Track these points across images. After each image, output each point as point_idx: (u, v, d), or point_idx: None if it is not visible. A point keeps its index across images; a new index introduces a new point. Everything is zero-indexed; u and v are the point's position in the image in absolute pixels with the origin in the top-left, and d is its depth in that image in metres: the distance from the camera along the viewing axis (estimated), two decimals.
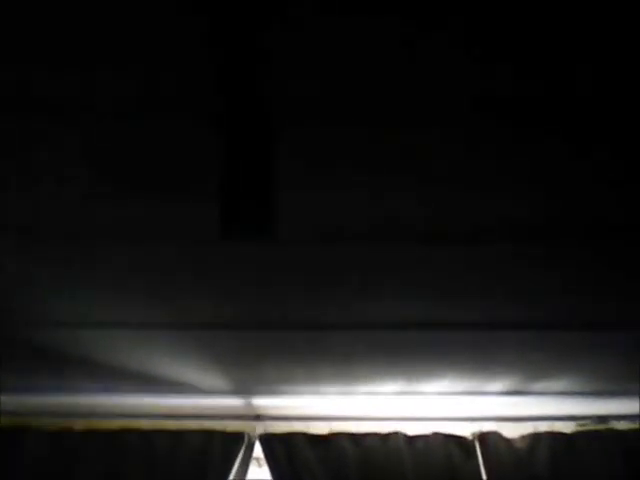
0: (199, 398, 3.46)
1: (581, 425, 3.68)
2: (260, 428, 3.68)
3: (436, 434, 3.66)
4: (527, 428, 3.67)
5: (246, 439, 3.67)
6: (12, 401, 3.28)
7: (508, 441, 3.66)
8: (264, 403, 3.56)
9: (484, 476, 3.64)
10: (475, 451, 3.66)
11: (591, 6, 1.33)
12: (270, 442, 3.64)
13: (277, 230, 1.57)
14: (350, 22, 1.36)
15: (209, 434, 3.65)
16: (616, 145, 1.68)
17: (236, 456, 3.64)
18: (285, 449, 3.62)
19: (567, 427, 3.68)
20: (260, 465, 3.77)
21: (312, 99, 1.52)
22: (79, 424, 3.65)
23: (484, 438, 3.66)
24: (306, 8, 1.31)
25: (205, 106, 1.51)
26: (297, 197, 1.81)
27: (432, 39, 1.39)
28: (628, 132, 1.63)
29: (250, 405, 3.59)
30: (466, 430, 3.68)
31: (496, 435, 3.66)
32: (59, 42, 1.38)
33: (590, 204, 1.89)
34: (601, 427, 3.66)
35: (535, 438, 3.65)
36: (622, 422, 3.65)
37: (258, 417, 3.69)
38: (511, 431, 3.68)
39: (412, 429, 3.66)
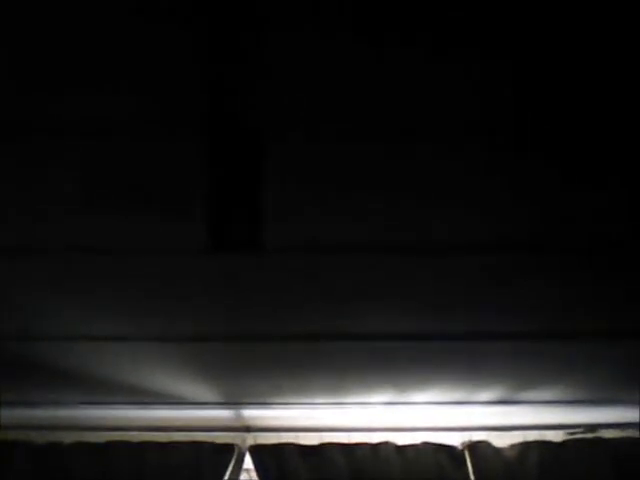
0: (189, 410, 3.45)
1: (570, 434, 3.69)
2: (250, 440, 3.68)
3: (426, 444, 3.66)
4: (516, 437, 3.69)
5: (236, 451, 3.66)
6: (0, 415, 3.26)
7: (498, 450, 3.67)
8: (254, 415, 3.55)
9: None
10: (465, 461, 3.66)
11: (591, 24, 1.33)
12: (260, 454, 3.64)
13: (265, 242, 1.58)
14: (344, 36, 1.36)
15: (199, 446, 3.64)
16: (604, 161, 1.70)
17: (226, 468, 3.64)
18: (275, 460, 3.62)
19: (556, 436, 3.70)
20: (250, 477, 3.76)
21: (301, 115, 1.53)
22: (68, 438, 3.63)
23: (474, 448, 3.67)
24: (296, 24, 1.31)
25: (193, 122, 1.52)
26: (286, 210, 1.82)
27: (427, 57, 1.39)
28: (620, 150, 1.65)
29: (240, 417, 3.59)
30: (456, 440, 3.69)
31: (486, 444, 3.67)
32: (50, 67, 1.39)
33: (583, 218, 1.90)
34: (590, 435, 3.68)
35: (524, 447, 3.66)
36: (610, 430, 3.67)
37: (248, 429, 3.68)
38: (501, 440, 3.69)
39: (402, 439, 3.67)
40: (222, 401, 3.40)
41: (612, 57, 1.39)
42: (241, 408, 3.47)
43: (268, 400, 3.37)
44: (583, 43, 1.37)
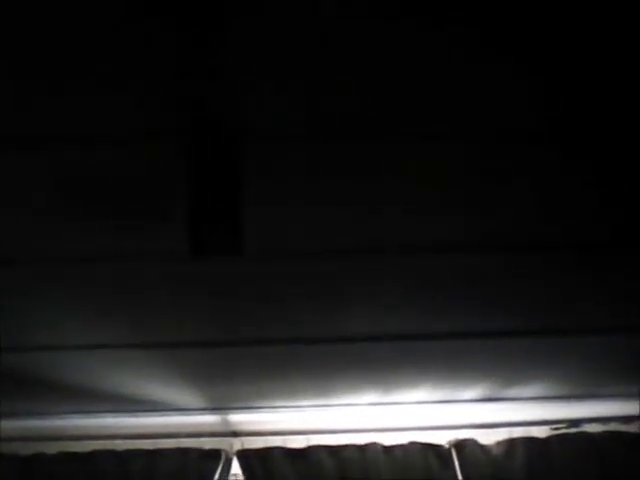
0: (174, 417, 3.43)
1: (555, 429, 3.73)
2: (237, 444, 3.67)
3: (413, 443, 3.68)
4: (502, 434, 3.71)
5: (223, 456, 3.65)
6: None
7: (484, 448, 3.69)
8: (240, 419, 3.55)
9: None
10: (452, 459, 3.68)
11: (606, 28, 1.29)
12: (247, 458, 3.63)
13: (246, 246, 1.57)
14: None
15: (186, 452, 3.63)
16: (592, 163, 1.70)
17: (214, 474, 3.63)
18: (263, 465, 3.61)
19: (541, 432, 3.73)
20: None
21: (280, 115, 1.53)
22: (52, 448, 3.60)
23: (460, 446, 3.69)
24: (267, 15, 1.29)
25: (170, 126, 1.51)
26: (266, 213, 1.81)
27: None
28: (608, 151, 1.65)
29: (226, 422, 3.58)
30: (442, 438, 3.71)
31: (472, 442, 3.69)
32: (26, 72, 1.37)
33: (570, 217, 1.91)
34: (574, 430, 3.71)
35: (510, 444, 3.69)
36: (593, 424, 3.71)
37: (235, 434, 3.67)
38: (487, 438, 3.71)
39: (389, 439, 3.68)
40: (208, 406, 3.38)
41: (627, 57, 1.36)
42: (227, 413, 3.46)
43: (254, 404, 3.36)
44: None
